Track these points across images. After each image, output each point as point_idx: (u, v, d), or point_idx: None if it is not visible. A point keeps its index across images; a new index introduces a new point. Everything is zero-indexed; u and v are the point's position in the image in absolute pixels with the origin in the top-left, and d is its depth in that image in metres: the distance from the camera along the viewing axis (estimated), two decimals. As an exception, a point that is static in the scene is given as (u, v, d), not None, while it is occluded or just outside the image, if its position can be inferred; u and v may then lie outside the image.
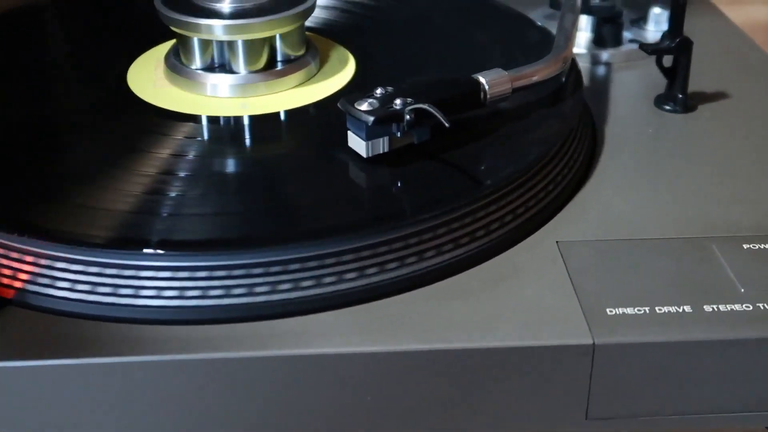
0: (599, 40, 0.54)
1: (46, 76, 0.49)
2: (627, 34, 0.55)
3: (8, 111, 0.45)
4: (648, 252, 0.37)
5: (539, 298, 0.34)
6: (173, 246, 0.34)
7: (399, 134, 0.38)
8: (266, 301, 0.34)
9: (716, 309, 0.34)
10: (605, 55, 0.54)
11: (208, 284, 0.34)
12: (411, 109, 0.37)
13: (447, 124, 0.35)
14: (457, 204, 0.36)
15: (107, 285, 0.34)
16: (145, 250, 0.34)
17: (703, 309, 0.34)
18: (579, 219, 0.39)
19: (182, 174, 0.39)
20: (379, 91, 0.38)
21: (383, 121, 0.37)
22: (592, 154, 0.44)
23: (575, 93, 0.45)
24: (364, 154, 0.38)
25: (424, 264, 0.36)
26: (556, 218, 0.39)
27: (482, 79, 0.40)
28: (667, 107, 0.48)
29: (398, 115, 0.37)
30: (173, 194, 0.37)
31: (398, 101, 0.37)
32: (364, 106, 0.37)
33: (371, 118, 0.37)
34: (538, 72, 0.42)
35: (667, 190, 0.41)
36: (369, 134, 0.37)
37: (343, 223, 0.35)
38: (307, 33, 0.48)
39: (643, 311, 0.34)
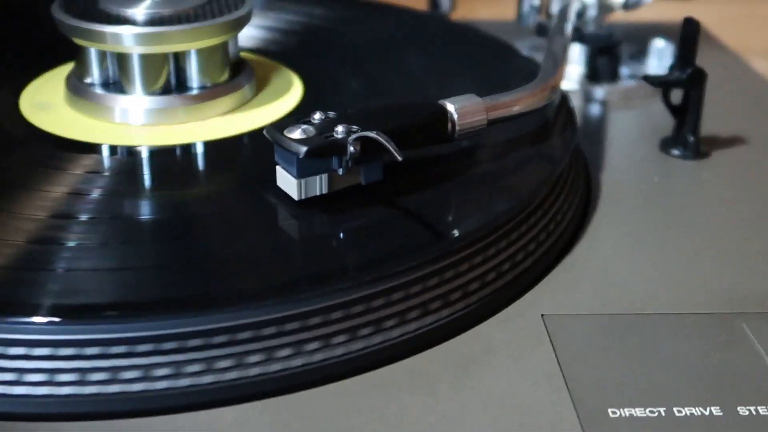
0: (593, 75, 0.46)
1: None
2: (625, 70, 0.47)
3: None
4: (660, 331, 0.29)
5: (519, 392, 0.26)
6: (54, 312, 0.26)
7: (341, 171, 0.29)
8: (155, 389, 0.25)
9: (754, 412, 0.25)
10: (600, 91, 0.46)
11: (83, 365, 0.26)
12: (356, 139, 0.28)
13: (399, 158, 0.27)
14: (412, 263, 0.28)
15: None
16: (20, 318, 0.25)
17: (737, 411, 0.25)
18: (570, 287, 0.31)
19: (76, 219, 0.30)
20: (317, 116, 0.30)
21: (320, 153, 0.29)
22: (586, 206, 0.36)
23: (566, 131, 0.37)
24: (295, 196, 0.29)
25: (367, 342, 0.27)
26: (540, 285, 0.31)
27: (450, 106, 0.31)
28: (676, 152, 0.40)
29: (340, 146, 0.29)
30: (59, 245, 0.29)
31: (340, 129, 0.29)
32: (296, 134, 0.29)
33: (304, 149, 0.28)
34: (520, 101, 0.33)
35: (679, 252, 0.33)
36: (301, 170, 0.29)
37: (263, 286, 0.27)
38: (244, 54, 0.40)
39: (657, 413, 0.25)
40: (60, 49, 0.40)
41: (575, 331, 0.28)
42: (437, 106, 0.31)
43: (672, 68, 0.39)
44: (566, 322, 0.29)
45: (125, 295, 0.27)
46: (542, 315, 0.29)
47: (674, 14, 0.58)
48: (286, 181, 0.30)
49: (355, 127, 0.29)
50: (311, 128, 0.29)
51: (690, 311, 0.30)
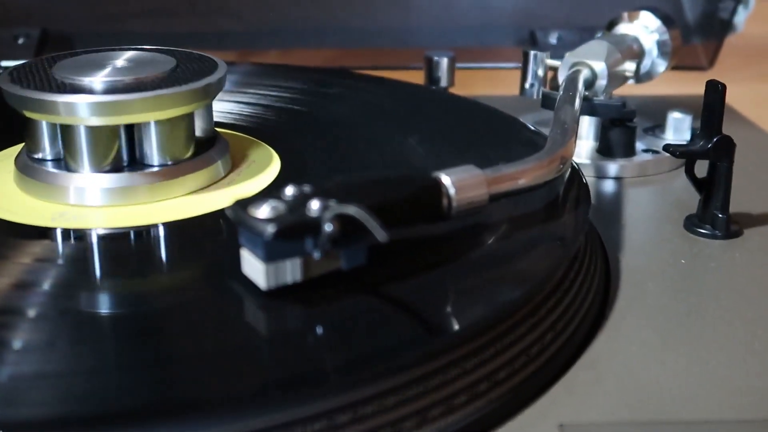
0: (606, 149, 0.42)
1: None
2: (639, 145, 0.43)
3: None
4: (702, 445, 0.24)
5: None
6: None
7: (317, 254, 0.25)
8: None
9: None
10: (614, 167, 0.42)
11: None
12: (334, 216, 0.24)
13: (382, 238, 0.23)
14: (403, 362, 0.23)
15: None
16: None
17: None
18: (591, 389, 0.26)
19: (21, 315, 0.26)
20: (289, 190, 0.25)
21: (291, 234, 0.24)
22: (605, 293, 0.31)
23: (579, 209, 0.32)
24: (262, 285, 0.25)
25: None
26: (556, 387, 0.26)
27: (445, 179, 0.27)
28: (703, 231, 0.35)
29: (314, 225, 0.24)
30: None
31: (315, 204, 0.25)
32: (263, 212, 0.25)
33: (271, 229, 0.24)
34: (526, 173, 0.29)
35: (716, 345, 0.28)
36: (269, 254, 0.25)
37: (224, 392, 0.22)
38: (219, 130, 0.36)
39: None
40: (8, 131, 0.37)
41: (600, 445, 0.24)
42: (430, 179, 0.27)
43: (695, 137, 0.35)
44: (588, 434, 0.24)
45: (75, 405, 0.22)
46: (560, 425, 0.24)
47: (687, 88, 0.55)
48: (252, 268, 0.25)
49: (332, 203, 0.25)
50: (281, 205, 0.25)
51: (735, 417, 0.25)
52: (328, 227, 0.24)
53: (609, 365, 0.27)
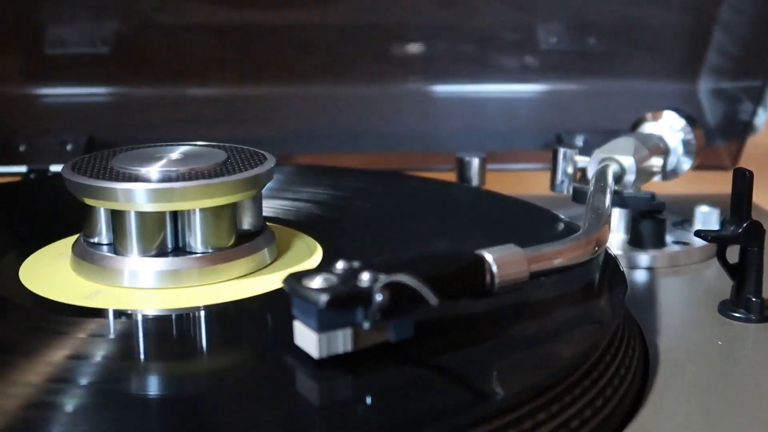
0: (636, 241, 0.43)
1: None
2: (669, 238, 0.44)
3: None
4: None
5: None
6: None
7: (367, 325, 0.26)
8: None
9: None
10: (645, 258, 0.43)
11: None
12: (384, 285, 0.25)
13: (433, 302, 0.24)
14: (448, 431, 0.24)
15: None
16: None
17: None
18: (637, 460, 0.26)
19: (71, 392, 0.27)
20: (340, 265, 0.27)
21: (343, 304, 0.25)
22: (645, 374, 0.32)
23: (616, 292, 0.33)
24: (314, 354, 0.26)
25: None
26: (602, 459, 0.27)
27: (488, 256, 0.28)
28: (737, 315, 0.36)
29: (365, 295, 0.25)
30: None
31: (366, 276, 0.26)
32: (317, 283, 0.26)
33: (324, 298, 0.25)
34: (564, 252, 0.30)
35: (760, 422, 0.29)
36: (322, 324, 0.26)
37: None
38: (268, 224, 0.38)
39: None
40: (64, 223, 0.39)
41: None
42: (474, 256, 0.28)
43: (725, 223, 0.36)
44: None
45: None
46: (607, 494, 0.25)
47: (711, 187, 0.56)
48: (305, 338, 0.26)
49: (381, 275, 0.26)
50: (333, 277, 0.26)
51: (783, 489, 0.25)
52: (378, 297, 0.25)
53: (653, 439, 0.28)
